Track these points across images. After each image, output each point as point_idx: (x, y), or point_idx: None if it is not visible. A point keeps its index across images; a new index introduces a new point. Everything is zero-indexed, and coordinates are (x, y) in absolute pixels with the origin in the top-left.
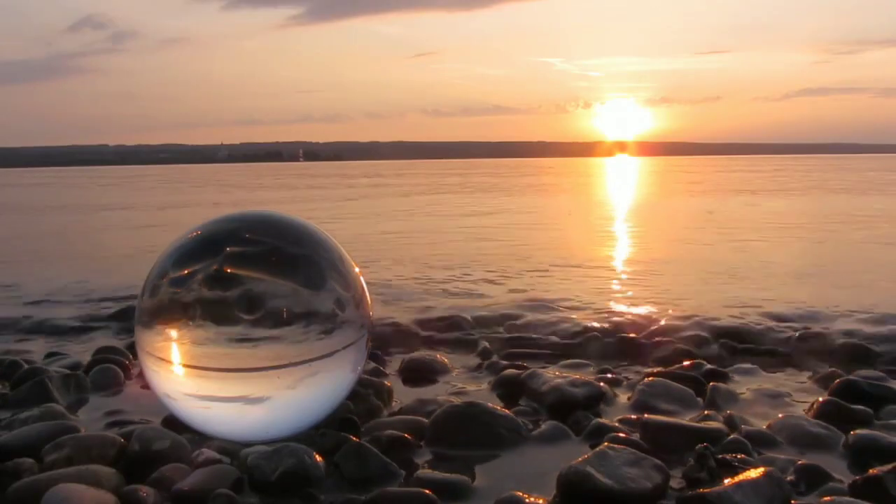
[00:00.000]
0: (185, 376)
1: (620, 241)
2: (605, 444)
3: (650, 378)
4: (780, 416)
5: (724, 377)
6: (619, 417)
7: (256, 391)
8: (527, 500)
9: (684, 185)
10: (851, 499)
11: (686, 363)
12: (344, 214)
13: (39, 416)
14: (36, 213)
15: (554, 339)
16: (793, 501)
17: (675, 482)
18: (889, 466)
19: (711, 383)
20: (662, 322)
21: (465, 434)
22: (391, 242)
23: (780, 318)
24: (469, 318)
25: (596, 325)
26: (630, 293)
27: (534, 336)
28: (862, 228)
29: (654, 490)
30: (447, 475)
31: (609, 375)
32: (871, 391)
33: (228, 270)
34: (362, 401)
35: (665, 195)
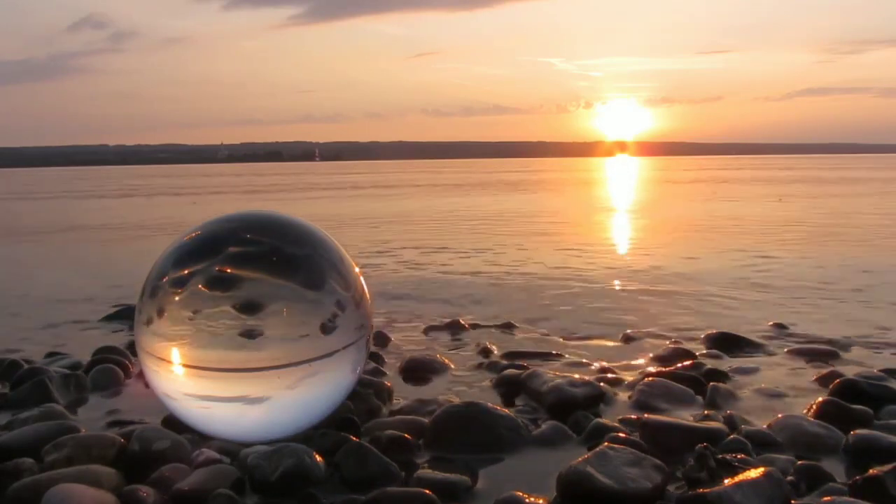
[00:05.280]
0: (185, 376)
1: None
2: (605, 444)
3: (650, 378)
4: (780, 416)
5: (724, 377)
6: (619, 417)
7: (256, 391)
8: (527, 500)
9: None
10: (851, 499)
11: (686, 363)
12: None
13: (39, 416)
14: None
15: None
16: (793, 501)
17: (675, 482)
18: (889, 466)
19: (711, 383)
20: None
21: (465, 434)
22: None
23: None
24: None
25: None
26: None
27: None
28: None
29: (654, 490)
30: (447, 475)
31: (609, 375)
32: (871, 391)
33: (228, 270)
34: (362, 401)
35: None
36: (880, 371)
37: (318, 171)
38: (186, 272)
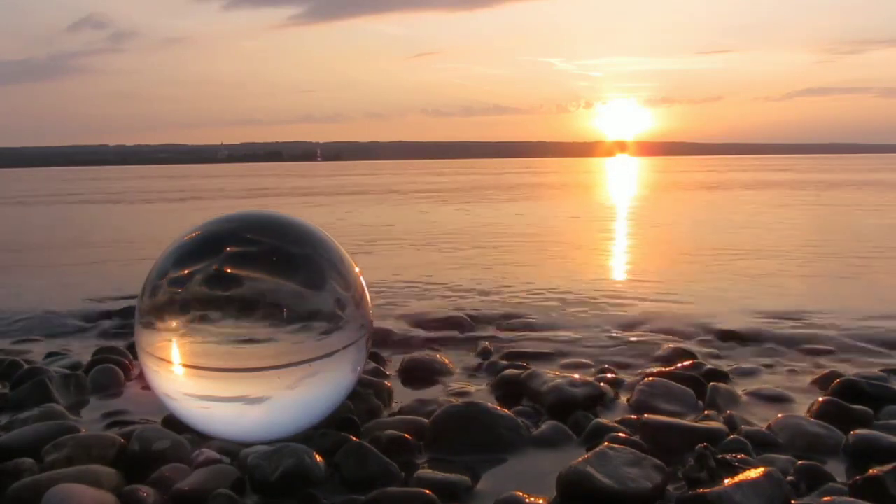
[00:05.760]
0: (185, 376)
1: None
2: (605, 444)
3: (650, 378)
4: (780, 416)
5: (724, 377)
6: (619, 418)
7: (256, 391)
8: (527, 501)
9: None
10: (851, 499)
11: (686, 363)
12: None
13: (39, 416)
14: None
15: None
16: (793, 501)
17: (675, 482)
18: (889, 466)
19: (711, 383)
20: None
21: (466, 434)
22: None
23: None
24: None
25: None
26: None
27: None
28: None
29: (654, 490)
30: (447, 475)
31: (609, 375)
32: (871, 391)
33: (228, 270)
34: (362, 401)
35: None
36: (880, 371)
37: (323, 171)
38: (186, 272)
